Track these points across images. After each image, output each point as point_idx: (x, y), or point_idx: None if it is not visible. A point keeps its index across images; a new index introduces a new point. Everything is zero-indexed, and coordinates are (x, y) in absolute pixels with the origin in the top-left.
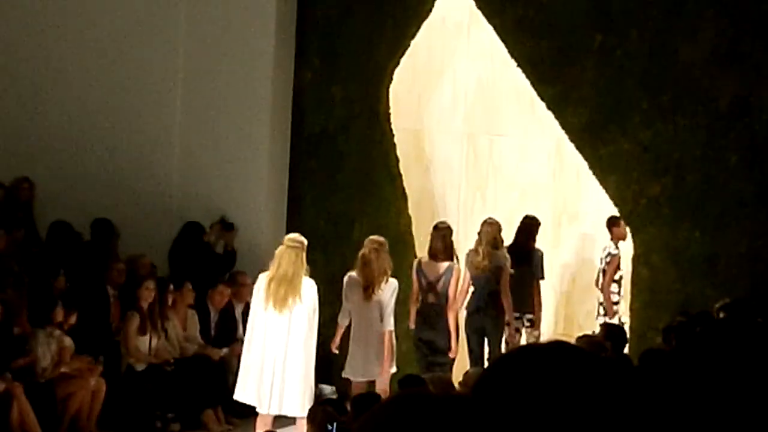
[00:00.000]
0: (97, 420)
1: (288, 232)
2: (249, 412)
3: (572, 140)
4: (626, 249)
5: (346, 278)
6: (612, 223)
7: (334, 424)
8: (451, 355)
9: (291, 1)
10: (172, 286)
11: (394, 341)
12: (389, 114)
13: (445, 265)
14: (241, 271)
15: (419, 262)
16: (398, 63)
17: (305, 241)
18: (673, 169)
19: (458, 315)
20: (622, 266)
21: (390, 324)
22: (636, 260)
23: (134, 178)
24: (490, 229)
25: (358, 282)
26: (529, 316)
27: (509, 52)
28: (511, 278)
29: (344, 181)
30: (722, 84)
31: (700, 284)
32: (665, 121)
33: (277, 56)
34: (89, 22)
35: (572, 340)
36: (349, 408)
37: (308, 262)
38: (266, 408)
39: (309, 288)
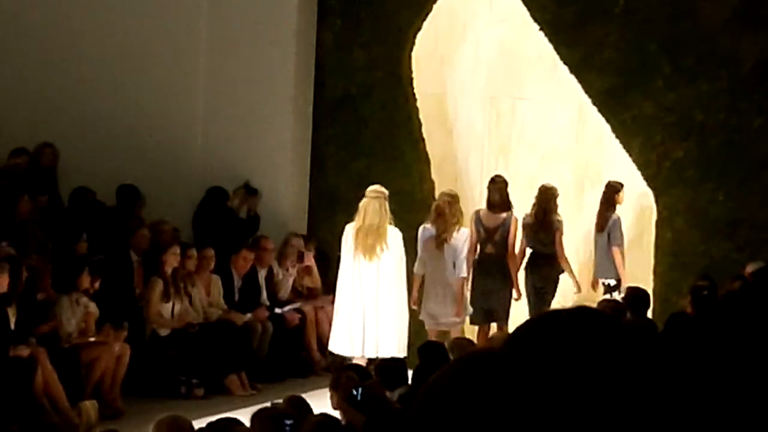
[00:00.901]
0: (121, 385)
1: (311, 196)
2: (273, 378)
3: (595, 104)
4: (648, 212)
5: (420, 229)
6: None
7: (359, 389)
8: (514, 298)
9: None
10: (194, 251)
11: (467, 290)
12: (412, 78)
13: (502, 216)
14: (264, 236)
15: (477, 214)
16: (420, 27)
17: (386, 192)
18: (696, 132)
19: (517, 264)
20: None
21: (463, 271)
22: (659, 223)
23: (157, 143)
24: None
25: (431, 232)
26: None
27: (531, 15)
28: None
29: (367, 146)
30: (745, 47)
31: (723, 247)
32: (688, 85)
33: (299, 21)
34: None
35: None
36: (373, 372)
37: (332, 224)
38: (360, 351)
39: (394, 236)
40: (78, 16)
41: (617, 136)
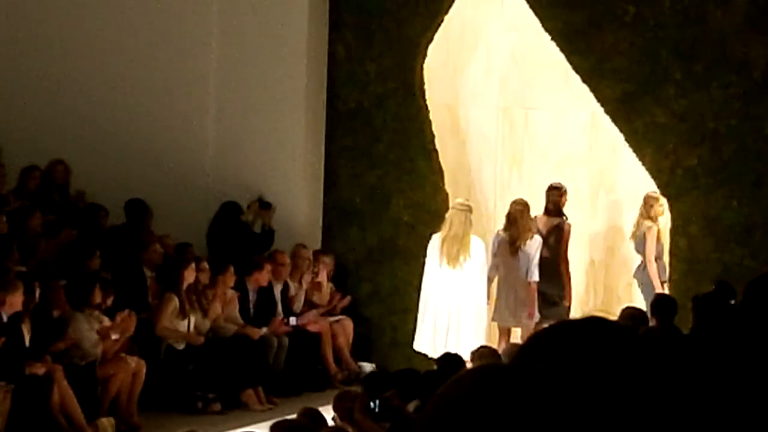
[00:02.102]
0: (138, 401)
1: (325, 209)
2: (290, 391)
3: (607, 112)
4: (663, 220)
5: (494, 236)
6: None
7: (377, 401)
8: (565, 302)
9: None
10: (206, 265)
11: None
12: (424, 89)
13: (556, 221)
14: (280, 250)
15: (534, 219)
16: (432, 38)
17: (471, 205)
18: (709, 139)
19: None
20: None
21: (535, 276)
22: (674, 231)
23: (169, 158)
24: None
25: (505, 239)
26: None
27: (542, 24)
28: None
29: (380, 157)
30: (756, 52)
31: (738, 253)
32: (700, 91)
33: (311, 33)
34: (123, 1)
35: (613, 312)
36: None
37: (346, 236)
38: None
39: (477, 246)
40: (88, 32)
41: (629, 144)
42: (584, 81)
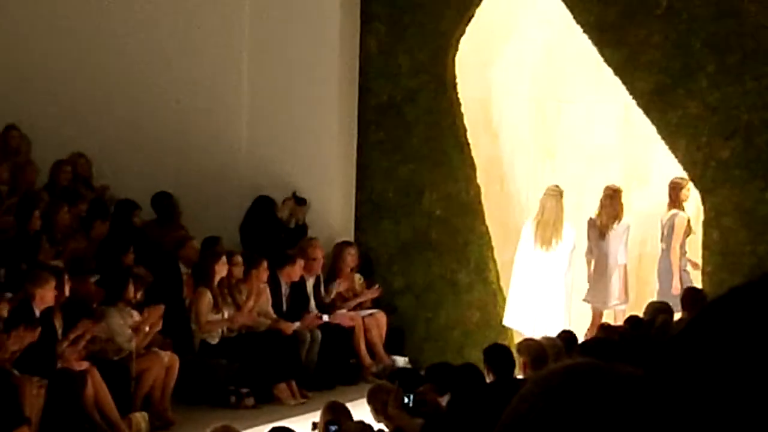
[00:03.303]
0: (171, 396)
1: (357, 203)
2: (323, 385)
3: (640, 105)
4: (694, 212)
5: (587, 220)
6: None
7: (411, 395)
8: (674, 292)
9: None
10: (240, 258)
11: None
12: (456, 82)
13: (670, 213)
14: (312, 244)
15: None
16: (464, 31)
17: (562, 189)
18: (742, 131)
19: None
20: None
21: (623, 258)
22: (707, 223)
23: (202, 152)
24: None
25: (595, 222)
26: None
27: (574, 17)
28: None
29: (412, 151)
30: None
31: None
32: (733, 83)
33: (343, 26)
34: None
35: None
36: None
37: (378, 230)
38: (531, 331)
39: (569, 230)
40: (116, 25)
41: (663, 137)
42: (617, 74)
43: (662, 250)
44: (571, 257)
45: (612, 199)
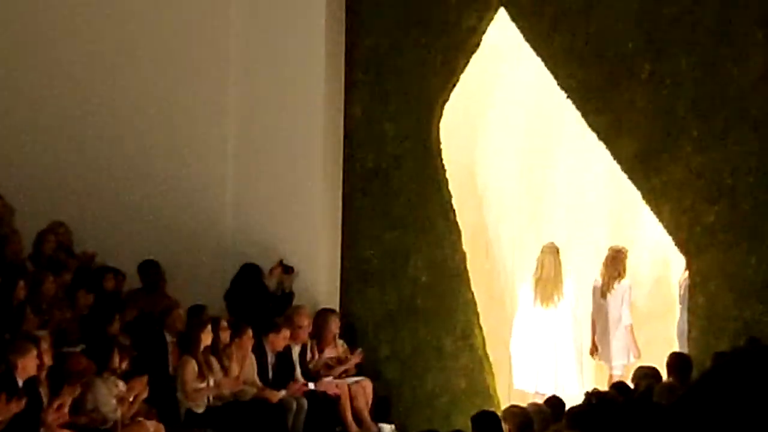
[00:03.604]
0: None
1: (343, 270)
2: None
3: (624, 170)
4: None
5: (593, 281)
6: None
7: None
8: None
9: (339, 37)
10: (225, 323)
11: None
12: (441, 149)
13: (685, 274)
14: (298, 311)
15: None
16: (448, 98)
17: (558, 246)
18: (727, 195)
19: None
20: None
21: (627, 319)
22: (692, 287)
23: (187, 219)
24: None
25: (597, 282)
26: None
27: (558, 83)
28: None
29: (398, 217)
30: None
31: (757, 310)
32: (717, 148)
33: (327, 93)
34: (137, 57)
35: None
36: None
37: (363, 297)
38: (542, 388)
39: (569, 285)
40: (100, 96)
41: (647, 202)
42: (601, 139)
43: (680, 311)
44: (574, 312)
45: (614, 260)
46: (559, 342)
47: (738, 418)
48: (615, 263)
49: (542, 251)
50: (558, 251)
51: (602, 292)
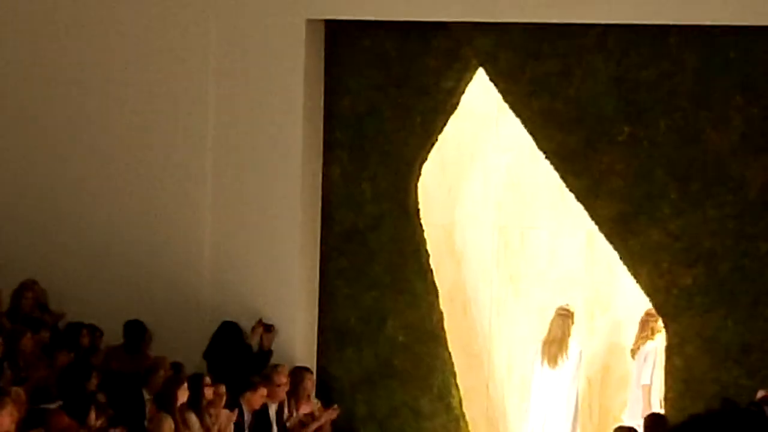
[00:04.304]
0: None
1: (320, 330)
2: None
3: (602, 231)
4: (659, 339)
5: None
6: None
7: None
8: None
9: (317, 97)
10: (209, 380)
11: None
12: (419, 209)
13: None
14: (277, 370)
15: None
16: (426, 158)
17: (572, 310)
18: (705, 259)
19: None
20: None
21: (646, 379)
22: (669, 350)
23: (164, 278)
24: None
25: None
26: None
27: (537, 144)
28: None
29: (375, 278)
30: (752, 172)
31: (734, 373)
32: (695, 211)
33: (305, 153)
34: (113, 113)
35: None
36: None
37: (340, 357)
38: None
39: (575, 347)
40: (76, 143)
41: (625, 264)
42: (579, 200)
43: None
44: (576, 372)
45: (645, 323)
46: (558, 400)
47: None
48: (645, 326)
49: (555, 313)
50: (570, 315)
51: (632, 352)
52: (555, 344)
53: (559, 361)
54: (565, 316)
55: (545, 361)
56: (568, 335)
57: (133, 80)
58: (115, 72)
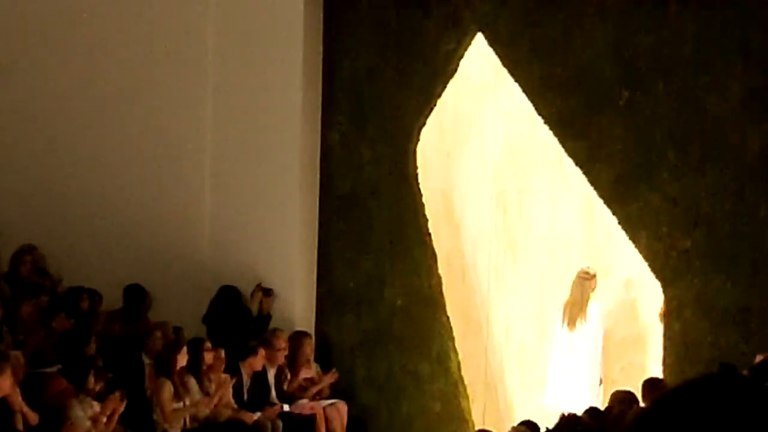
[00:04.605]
0: None
1: (318, 295)
2: None
3: (601, 196)
4: (658, 303)
5: None
6: None
7: None
8: None
9: (316, 62)
10: (209, 344)
11: None
12: (417, 174)
13: None
14: (276, 334)
15: None
16: (425, 123)
17: (592, 272)
18: (703, 223)
19: None
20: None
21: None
22: (668, 314)
23: (164, 243)
24: None
25: None
26: None
27: (536, 109)
28: None
29: (374, 243)
30: (751, 136)
31: (733, 337)
32: (694, 175)
33: (304, 117)
34: (116, 85)
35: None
36: None
37: (339, 322)
38: (564, 407)
39: (594, 310)
40: (79, 111)
41: (624, 228)
42: (578, 165)
43: None
44: (595, 337)
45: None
46: (577, 363)
47: None
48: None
49: (576, 275)
50: (591, 277)
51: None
52: (575, 307)
53: (578, 324)
54: (585, 278)
55: (565, 324)
56: (588, 298)
57: (133, 44)
58: (115, 33)
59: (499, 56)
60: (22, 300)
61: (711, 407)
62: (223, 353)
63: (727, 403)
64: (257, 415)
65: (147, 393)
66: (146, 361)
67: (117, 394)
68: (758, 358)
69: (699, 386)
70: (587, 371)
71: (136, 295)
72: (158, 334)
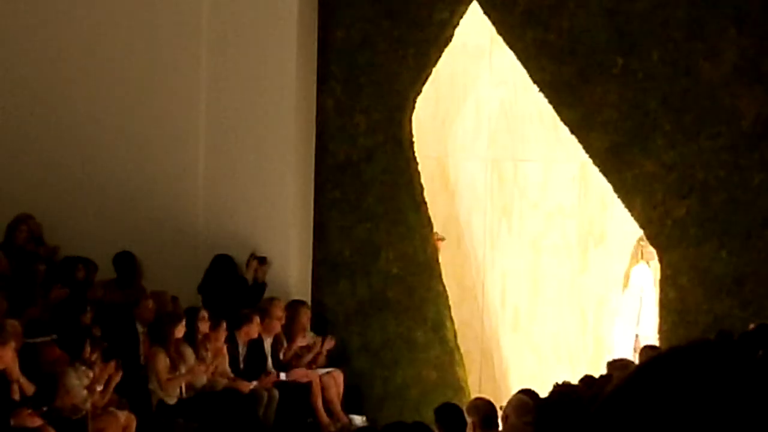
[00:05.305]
0: None
1: (314, 262)
2: None
3: (596, 163)
4: (653, 271)
5: None
6: None
7: None
8: None
9: (311, 30)
10: (206, 313)
11: None
12: (412, 141)
13: None
14: (273, 302)
15: None
16: (420, 91)
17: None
18: (698, 190)
19: None
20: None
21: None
22: (663, 282)
23: (158, 211)
24: None
25: None
26: None
27: (530, 76)
28: None
29: (369, 210)
30: (745, 103)
31: (728, 304)
32: (689, 142)
33: (299, 85)
34: (108, 55)
35: (602, 365)
36: None
37: (334, 289)
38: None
39: (637, 273)
40: (70, 89)
41: (618, 195)
42: (573, 132)
43: None
44: (635, 299)
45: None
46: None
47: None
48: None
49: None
50: (639, 239)
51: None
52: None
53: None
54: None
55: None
56: (635, 262)
57: (129, 13)
58: (114, 3)
59: (493, 23)
60: (20, 269)
61: (692, 376)
62: (225, 325)
63: (710, 371)
64: (254, 383)
65: (141, 361)
66: (140, 329)
67: (112, 363)
68: (752, 325)
69: (681, 354)
70: (623, 332)
71: (126, 263)
72: (149, 303)
